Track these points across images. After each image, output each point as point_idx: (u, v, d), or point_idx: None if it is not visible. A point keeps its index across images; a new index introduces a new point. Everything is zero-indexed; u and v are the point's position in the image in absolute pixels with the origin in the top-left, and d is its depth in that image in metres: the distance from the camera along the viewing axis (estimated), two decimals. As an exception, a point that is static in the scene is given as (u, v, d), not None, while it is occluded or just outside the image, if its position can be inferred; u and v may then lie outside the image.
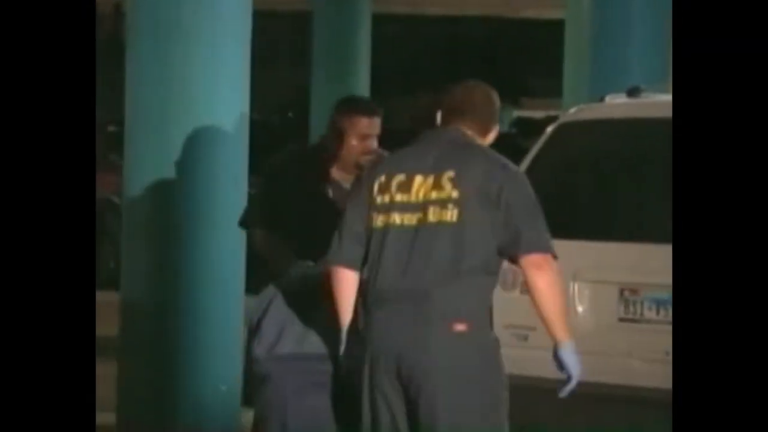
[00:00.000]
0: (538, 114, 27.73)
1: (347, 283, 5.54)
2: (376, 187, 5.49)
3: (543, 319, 5.36)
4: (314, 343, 5.90)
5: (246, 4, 8.83)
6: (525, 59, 32.08)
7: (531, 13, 23.52)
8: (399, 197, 5.43)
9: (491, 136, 5.65)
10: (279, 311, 5.97)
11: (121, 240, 8.97)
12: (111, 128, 16.38)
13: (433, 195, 5.39)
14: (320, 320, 5.81)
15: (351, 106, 6.32)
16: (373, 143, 6.16)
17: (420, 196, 5.40)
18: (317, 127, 19.24)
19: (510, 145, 20.26)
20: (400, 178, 5.46)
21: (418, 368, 5.33)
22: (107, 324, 8.14)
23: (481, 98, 5.69)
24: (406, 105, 33.26)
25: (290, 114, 29.70)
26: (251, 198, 6.88)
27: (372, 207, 5.48)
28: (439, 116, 5.68)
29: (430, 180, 5.41)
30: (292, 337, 5.93)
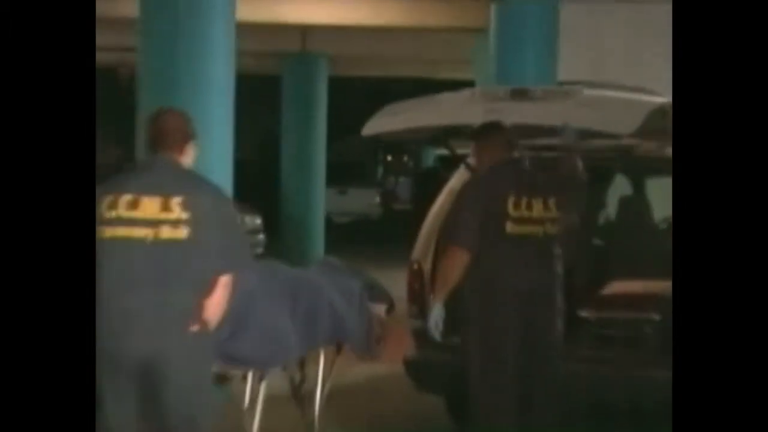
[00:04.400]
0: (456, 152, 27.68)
1: None
2: (105, 204, 4.92)
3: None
4: None
5: (230, 73, 8.63)
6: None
7: (447, 75, 23.60)
8: (127, 214, 4.90)
9: (190, 155, 5.18)
10: None
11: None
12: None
13: (163, 216, 4.90)
14: None
15: None
16: None
17: (148, 214, 4.90)
18: (287, 163, 19.04)
19: (433, 176, 20.34)
20: (127, 197, 4.93)
21: (159, 366, 4.87)
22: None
23: (174, 125, 5.16)
24: (355, 143, 33.17)
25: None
26: None
27: (101, 222, 4.88)
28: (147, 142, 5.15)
29: (157, 202, 4.91)
30: None
